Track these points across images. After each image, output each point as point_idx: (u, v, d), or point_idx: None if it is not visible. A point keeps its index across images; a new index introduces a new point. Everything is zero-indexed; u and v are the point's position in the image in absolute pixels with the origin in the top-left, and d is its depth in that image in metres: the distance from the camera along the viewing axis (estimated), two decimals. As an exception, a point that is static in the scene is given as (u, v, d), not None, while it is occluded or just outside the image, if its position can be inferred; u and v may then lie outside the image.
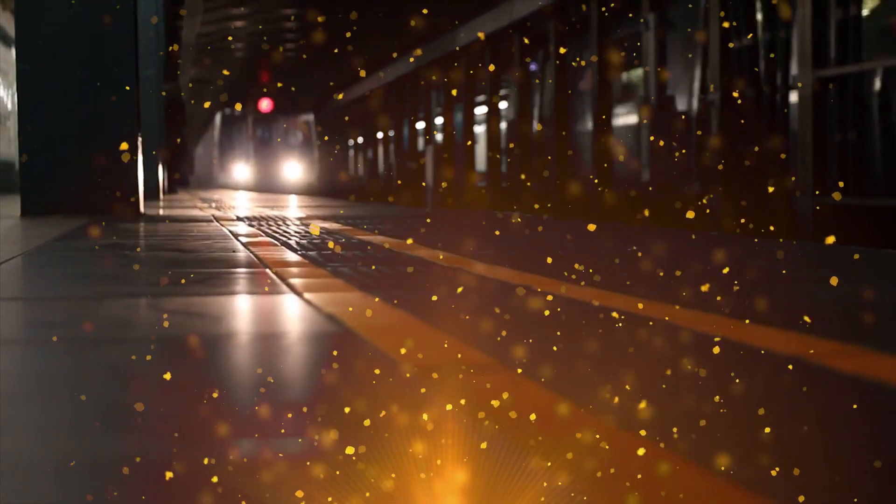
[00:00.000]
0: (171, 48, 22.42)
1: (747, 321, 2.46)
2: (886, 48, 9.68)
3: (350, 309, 2.72)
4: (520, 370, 1.88)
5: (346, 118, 34.99)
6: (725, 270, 3.81)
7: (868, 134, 9.79)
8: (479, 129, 22.13)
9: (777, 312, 2.65)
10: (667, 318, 2.52)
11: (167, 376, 1.85)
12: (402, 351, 2.07)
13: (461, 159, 22.63)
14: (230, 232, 6.52)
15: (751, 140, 11.20)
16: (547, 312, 2.65)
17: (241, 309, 2.88)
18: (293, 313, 2.75)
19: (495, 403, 1.61)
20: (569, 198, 16.03)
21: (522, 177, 18.44)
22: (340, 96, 35.73)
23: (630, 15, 14.52)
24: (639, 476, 1.24)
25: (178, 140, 24.09)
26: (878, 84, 9.68)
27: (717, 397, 1.66)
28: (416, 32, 22.45)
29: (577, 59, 16.48)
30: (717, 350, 2.09)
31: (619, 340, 2.24)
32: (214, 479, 1.23)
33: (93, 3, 9.08)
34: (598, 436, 1.41)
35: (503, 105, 20.50)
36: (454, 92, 22.89)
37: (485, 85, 20.99)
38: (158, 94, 18.17)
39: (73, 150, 8.97)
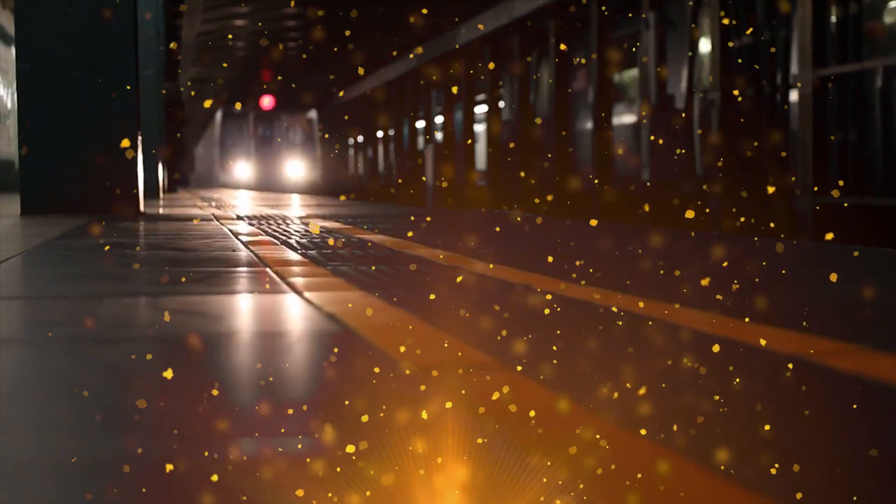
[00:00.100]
0: (171, 46, 22.41)
1: (747, 320, 2.46)
2: (887, 48, 9.68)
3: (350, 307, 2.72)
4: (519, 368, 1.88)
5: (346, 117, 34.98)
6: (725, 269, 3.80)
7: (868, 133, 9.79)
8: (479, 128, 22.12)
9: (777, 311, 2.65)
10: (666, 315, 2.51)
11: (167, 375, 1.85)
12: (402, 349, 2.07)
13: (461, 157, 22.63)
14: (230, 231, 6.52)
15: (751, 139, 11.20)
16: (547, 311, 2.65)
17: (242, 308, 2.88)
18: (293, 312, 2.75)
19: (495, 402, 1.61)
20: (568, 196, 16.03)
21: (522, 175, 18.43)
22: (342, 94, 35.71)
23: (630, 14, 14.52)
24: (639, 475, 1.24)
25: (178, 135, 24.07)
26: (878, 83, 9.67)
27: (717, 396, 1.66)
28: (416, 31, 22.45)
29: (577, 57, 16.49)
30: (717, 349, 2.09)
31: (619, 339, 2.24)
32: (215, 478, 1.23)
33: (93, 2, 9.07)
34: (597, 434, 1.42)
35: (503, 104, 20.49)
36: (454, 90, 22.88)
37: (485, 82, 20.99)
38: (158, 92, 18.15)
39: (72, 150, 8.95)
